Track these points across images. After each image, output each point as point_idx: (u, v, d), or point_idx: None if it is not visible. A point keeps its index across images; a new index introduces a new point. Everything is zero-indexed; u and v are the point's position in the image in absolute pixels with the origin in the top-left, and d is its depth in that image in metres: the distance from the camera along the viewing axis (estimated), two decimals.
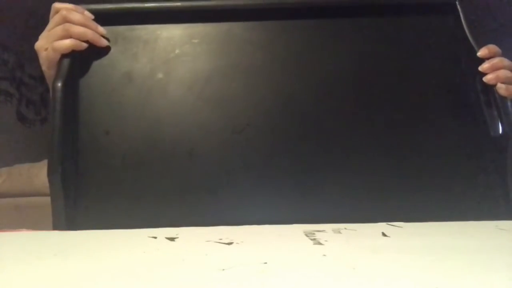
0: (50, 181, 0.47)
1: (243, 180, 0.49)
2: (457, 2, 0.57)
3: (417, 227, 0.39)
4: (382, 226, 0.39)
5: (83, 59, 0.52)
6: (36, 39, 0.53)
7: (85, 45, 0.52)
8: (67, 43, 0.51)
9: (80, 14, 0.52)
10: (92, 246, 0.34)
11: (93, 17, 0.53)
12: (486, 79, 0.52)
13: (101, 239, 0.37)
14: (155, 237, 0.35)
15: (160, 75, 0.53)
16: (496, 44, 0.54)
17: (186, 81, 0.53)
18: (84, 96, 0.52)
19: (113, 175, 0.49)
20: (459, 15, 0.56)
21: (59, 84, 0.49)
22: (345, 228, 0.38)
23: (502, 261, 0.27)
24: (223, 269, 0.25)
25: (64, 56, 0.51)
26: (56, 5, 0.53)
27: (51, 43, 0.51)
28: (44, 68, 0.53)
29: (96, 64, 0.53)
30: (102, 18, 0.54)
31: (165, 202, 0.48)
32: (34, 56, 0.54)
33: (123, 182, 0.49)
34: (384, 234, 0.36)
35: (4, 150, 2.15)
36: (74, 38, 0.51)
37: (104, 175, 0.49)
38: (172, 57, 0.54)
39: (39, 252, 0.32)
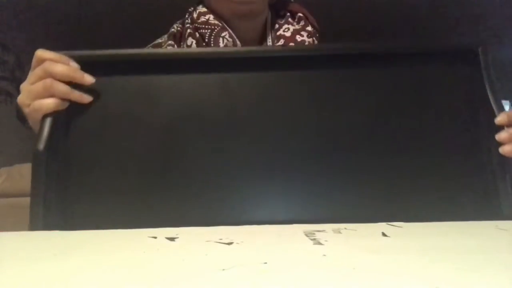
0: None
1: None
2: (479, 50, 0.50)
3: (417, 227, 0.39)
4: (382, 226, 0.39)
5: (68, 110, 0.48)
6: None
7: (67, 104, 0.48)
8: (48, 103, 0.47)
9: (64, 66, 0.47)
10: (92, 246, 0.34)
11: (79, 67, 0.48)
12: (503, 150, 0.46)
13: (101, 239, 0.37)
14: (155, 237, 0.35)
15: (151, 128, 0.49)
16: None
17: (178, 134, 0.49)
18: (70, 154, 0.48)
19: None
20: (480, 67, 0.50)
21: (41, 148, 0.46)
22: (345, 228, 0.38)
23: (502, 261, 0.27)
24: (223, 269, 0.25)
25: (46, 114, 0.47)
26: (39, 53, 0.47)
27: (32, 101, 0.47)
28: (30, 123, 0.50)
29: (83, 118, 0.49)
30: (91, 66, 0.49)
31: None
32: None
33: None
34: (384, 234, 0.36)
35: (4, 150, 2.15)
36: (56, 97, 0.47)
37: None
38: (164, 110, 0.50)
39: (39, 252, 0.32)
